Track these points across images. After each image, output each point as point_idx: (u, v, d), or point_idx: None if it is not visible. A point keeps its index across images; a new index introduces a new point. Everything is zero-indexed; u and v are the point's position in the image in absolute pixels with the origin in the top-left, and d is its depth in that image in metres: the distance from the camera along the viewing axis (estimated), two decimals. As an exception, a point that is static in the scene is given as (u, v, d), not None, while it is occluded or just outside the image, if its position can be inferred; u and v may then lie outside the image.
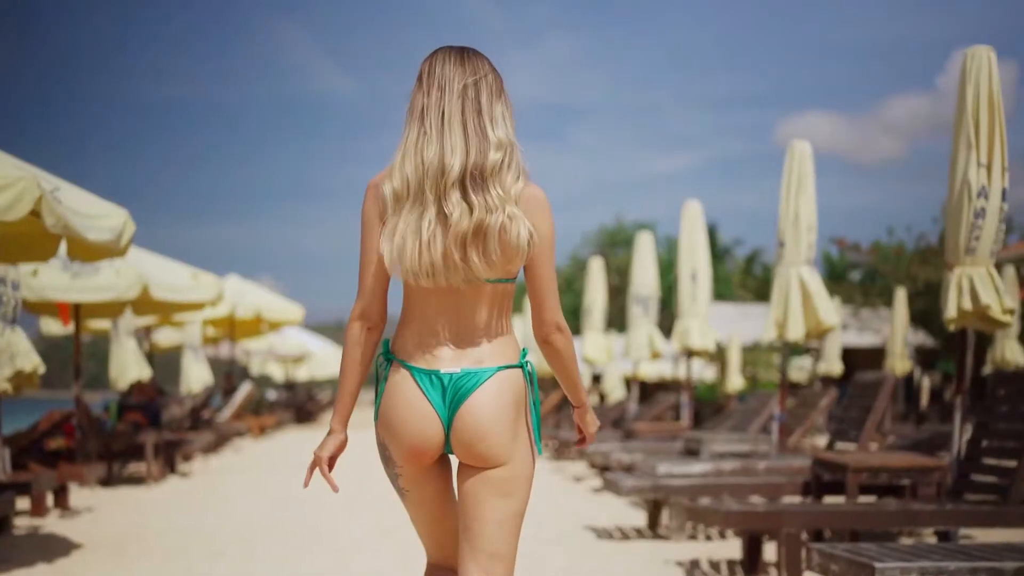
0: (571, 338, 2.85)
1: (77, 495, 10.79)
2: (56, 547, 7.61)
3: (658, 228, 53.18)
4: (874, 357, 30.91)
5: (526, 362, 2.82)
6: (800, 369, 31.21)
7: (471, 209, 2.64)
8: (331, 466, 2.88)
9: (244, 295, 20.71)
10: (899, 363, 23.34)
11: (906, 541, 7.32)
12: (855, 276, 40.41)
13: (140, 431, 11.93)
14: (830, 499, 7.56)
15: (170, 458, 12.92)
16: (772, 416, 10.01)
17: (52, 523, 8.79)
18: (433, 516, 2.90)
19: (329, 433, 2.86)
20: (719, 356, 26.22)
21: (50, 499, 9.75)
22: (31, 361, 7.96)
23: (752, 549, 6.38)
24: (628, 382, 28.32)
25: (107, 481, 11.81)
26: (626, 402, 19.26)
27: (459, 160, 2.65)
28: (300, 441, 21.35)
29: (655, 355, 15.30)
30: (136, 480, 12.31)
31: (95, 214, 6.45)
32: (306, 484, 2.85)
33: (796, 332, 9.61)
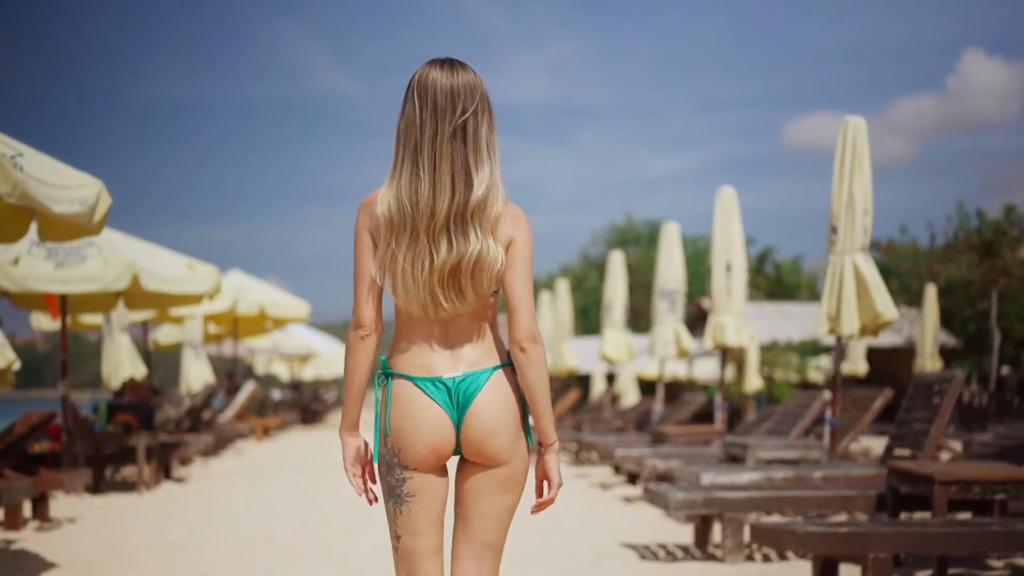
0: (543, 354, 2.91)
1: (62, 504, 9.93)
2: (27, 565, 6.73)
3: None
4: (897, 357, 29.99)
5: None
6: (817, 369, 30.34)
7: (452, 250, 2.80)
8: (366, 475, 3.00)
9: (247, 291, 19.85)
10: (929, 362, 22.42)
11: (995, 564, 6.41)
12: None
13: (132, 433, 11.04)
14: (906, 515, 6.67)
15: (165, 462, 12.03)
16: (824, 419, 9.10)
17: (27, 537, 7.90)
18: (428, 526, 2.93)
19: (345, 445, 2.95)
20: (735, 356, 25.39)
21: (29, 508, 8.90)
22: (4, 357, 7.12)
23: (826, 574, 5.49)
24: (640, 381, 27.50)
25: (95, 488, 10.93)
26: (642, 404, 18.37)
27: (446, 204, 2.79)
28: (305, 443, 20.47)
29: (682, 353, 14.41)
30: (128, 486, 11.43)
31: (63, 184, 5.56)
32: (366, 496, 3.02)
33: (851, 326, 8.71)
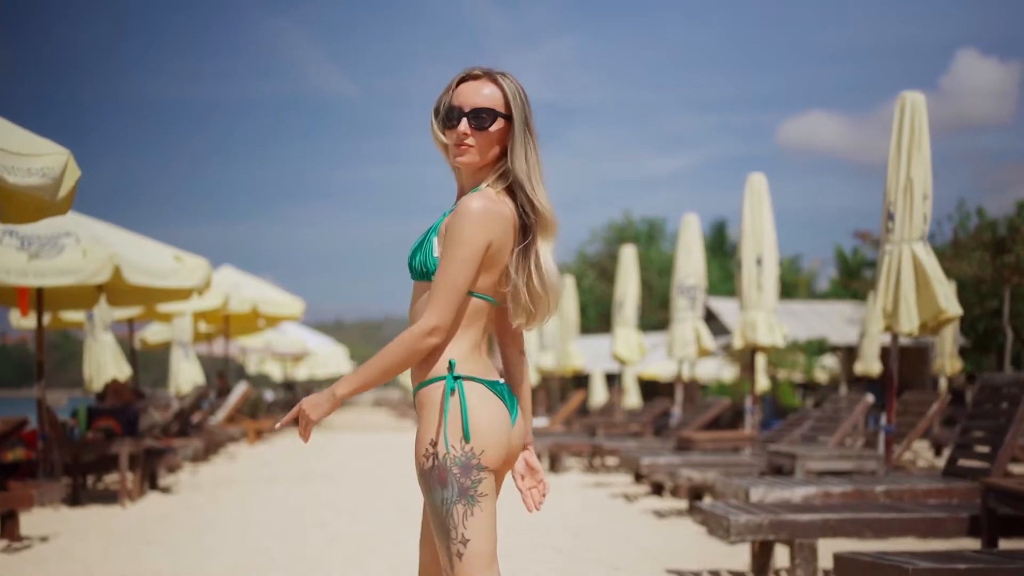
0: None
1: (36, 518, 9.02)
2: (-13, 597, 5.85)
3: (667, 226, 51.72)
4: (906, 356, 29.19)
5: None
6: (822, 368, 29.53)
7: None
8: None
9: (239, 287, 18.95)
10: (949, 363, 21.60)
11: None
12: (868, 274, 39.06)
13: (114, 440, 10.13)
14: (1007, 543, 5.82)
15: (150, 471, 11.12)
16: (880, 427, 8.25)
17: (-8, 560, 7.01)
18: (493, 526, 2.87)
19: (333, 397, 2.82)
20: (740, 355, 24.59)
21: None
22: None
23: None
24: (640, 382, 26.57)
25: (74, 499, 10.03)
26: (656, 406, 17.54)
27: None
28: (299, 446, 19.58)
29: (703, 352, 13.54)
30: (110, 496, 10.52)
31: (19, 151, 4.66)
32: (282, 426, 2.91)
33: (910, 323, 7.87)
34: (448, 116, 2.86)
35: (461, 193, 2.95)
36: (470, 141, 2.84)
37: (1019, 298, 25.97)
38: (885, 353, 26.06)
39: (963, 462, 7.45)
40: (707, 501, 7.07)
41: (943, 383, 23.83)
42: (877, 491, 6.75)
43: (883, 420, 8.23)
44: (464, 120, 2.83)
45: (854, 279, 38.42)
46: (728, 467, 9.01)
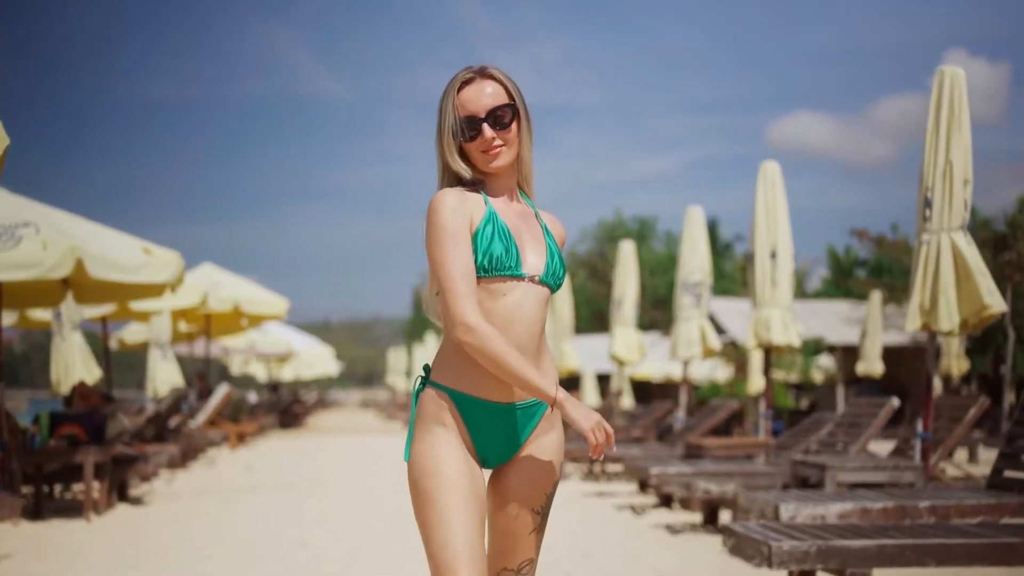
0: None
1: (-9, 533, 8.25)
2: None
3: (658, 225, 51.19)
4: (904, 357, 28.55)
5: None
6: (818, 369, 28.86)
7: None
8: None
9: (221, 286, 18.18)
10: (957, 363, 20.90)
11: None
12: (861, 273, 38.61)
13: (79, 448, 9.34)
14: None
15: (119, 480, 10.32)
16: (915, 434, 7.54)
17: (-69, 586, 6.24)
18: None
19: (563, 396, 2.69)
20: (735, 355, 23.95)
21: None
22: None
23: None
24: (632, 385, 25.89)
25: (36, 512, 9.24)
26: (658, 409, 16.85)
27: None
28: (284, 450, 18.81)
29: (708, 352, 12.82)
30: (76, 509, 9.73)
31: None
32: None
33: (950, 320, 7.16)
34: (467, 128, 2.75)
35: (500, 192, 2.82)
36: (498, 142, 2.77)
37: (1021, 296, 25.44)
38: (887, 353, 25.41)
39: (1009, 473, 6.77)
40: (735, 521, 6.35)
41: (938, 384, 23.14)
42: (920, 507, 6.05)
43: (919, 426, 7.51)
44: (485, 125, 2.75)
45: (847, 278, 38.00)
46: (746, 477, 8.28)
